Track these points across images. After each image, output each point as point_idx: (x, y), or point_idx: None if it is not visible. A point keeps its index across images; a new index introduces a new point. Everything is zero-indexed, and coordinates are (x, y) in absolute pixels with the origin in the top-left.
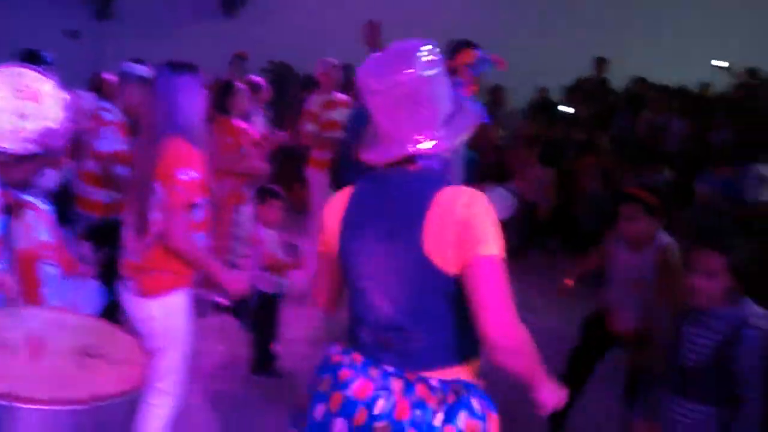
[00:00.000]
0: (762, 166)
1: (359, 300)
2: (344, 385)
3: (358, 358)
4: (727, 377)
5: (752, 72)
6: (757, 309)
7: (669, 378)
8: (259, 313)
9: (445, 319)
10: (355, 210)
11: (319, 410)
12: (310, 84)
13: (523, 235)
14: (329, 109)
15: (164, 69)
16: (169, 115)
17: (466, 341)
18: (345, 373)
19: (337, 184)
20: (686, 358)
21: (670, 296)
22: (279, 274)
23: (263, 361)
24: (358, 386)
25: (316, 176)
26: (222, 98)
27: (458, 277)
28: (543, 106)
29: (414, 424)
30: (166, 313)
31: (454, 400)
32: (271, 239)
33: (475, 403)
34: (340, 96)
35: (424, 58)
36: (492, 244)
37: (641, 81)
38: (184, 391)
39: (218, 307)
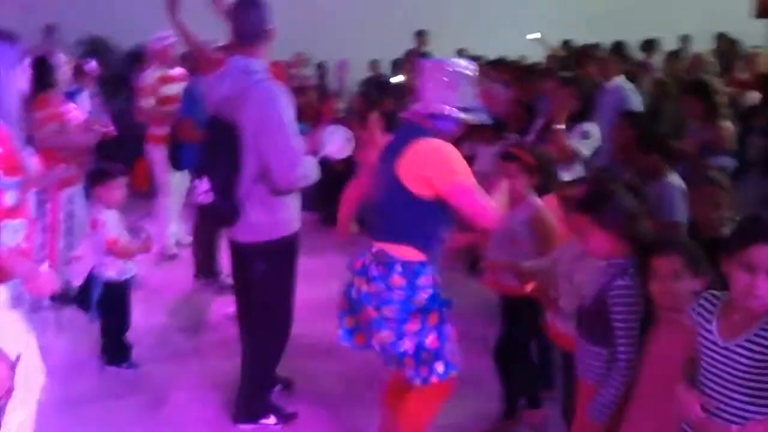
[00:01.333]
0: (587, 123)
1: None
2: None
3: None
4: (607, 322)
5: (565, 43)
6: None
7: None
8: (106, 302)
9: (405, 216)
10: (385, 146)
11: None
12: (136, 59)
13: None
14: (165, 83)
15: None
16: None
17: (416, 233)
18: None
19: (174, 161)
20: (580, 301)
21: (547, 249)
22: (125, 259)
23: (116, 352)
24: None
25: (156, 153)
26: (39, 73)
27: (428, 196)
28: (374, 79)
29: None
30: None
31: (389, 263)
32: (113, 222)
33: (403, 269)
34: (176, 71)
35: (462, 65)
36: (458, 175)
37: (461, 53)
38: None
39: (55, 299)
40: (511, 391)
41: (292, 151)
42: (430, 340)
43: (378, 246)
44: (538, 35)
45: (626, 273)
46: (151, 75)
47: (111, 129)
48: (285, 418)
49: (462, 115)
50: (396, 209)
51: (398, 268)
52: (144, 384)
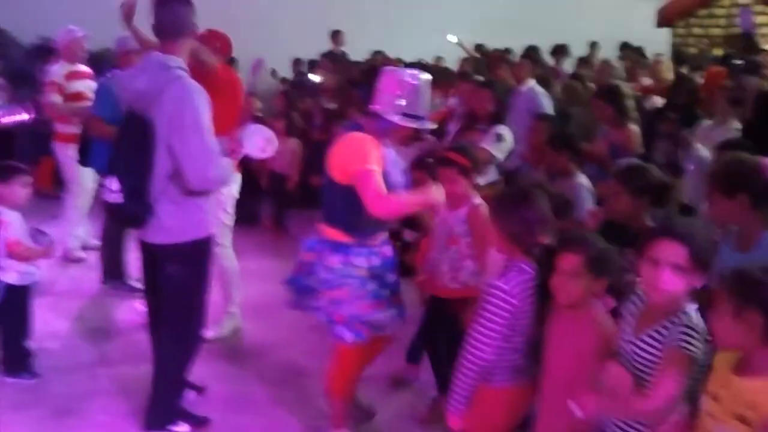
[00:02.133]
0: (500, 126)
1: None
2: None
3: None
4: None
5: (478, 47)
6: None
7: None
8: (5, 308)
9: (334, 201)
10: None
11: None
12: (40, 54)
13: (277, 206)
14: (73, 79)
15: None
16: None
17: (342, 218)
18: None
19: (84, 158)
20: None
21: (483, 249)
22: (26, 262)
23: (16, 362)
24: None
25: (64, 151)
26: None
27: (347, 183)
28: (295, 78)
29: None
30: None
31: (324, 242)
32: (16, 223)
33: (334, 249)
34: (84, 67)
35: (413, 76)
36: (364, 163)
37: (379, 54)
38: None
39: None
40: (440, 368)
41: (205, 151)
42: (348, 308)
43: (320, 228)
44: (455, 38)
45: (505, 275)
46: (57, 70)
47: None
48: (196, 424)
49: (396, 119)
50: (329, 195)
51: (330, 247)
52: (46, 394)
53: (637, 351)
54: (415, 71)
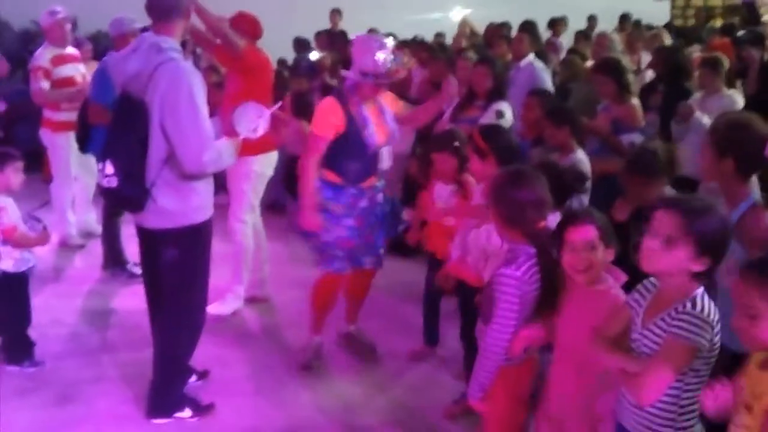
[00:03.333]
0: (500, 103)
1: None
2: None
3: None
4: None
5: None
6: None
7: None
8: (3, 296)
9: (328, 150)
10: None
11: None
12: (35, 38)
13: (287, 189)
14: (60, 64)
15: None
16: None
17: (331, 162)
18: None
19: (82, 144)
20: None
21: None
22: (22, 248)
23: (17, 350)
24: None
25: (52, 139)
26: None
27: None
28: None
29: None
30: None
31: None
32: (11, 209)
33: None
34: (72, 50)
35: (360, 39)
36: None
37: (373, 31)
38: None
39: None
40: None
41: (200, 133)
42: (324, 236)
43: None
44: (465, 14)
45: (513, 261)
46: (42, 55)
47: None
48: (201, 410)
49: (357, 77)
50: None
51: (323, 185)
52: (49, 380)
53: (645, 341)
54: (373, 36)
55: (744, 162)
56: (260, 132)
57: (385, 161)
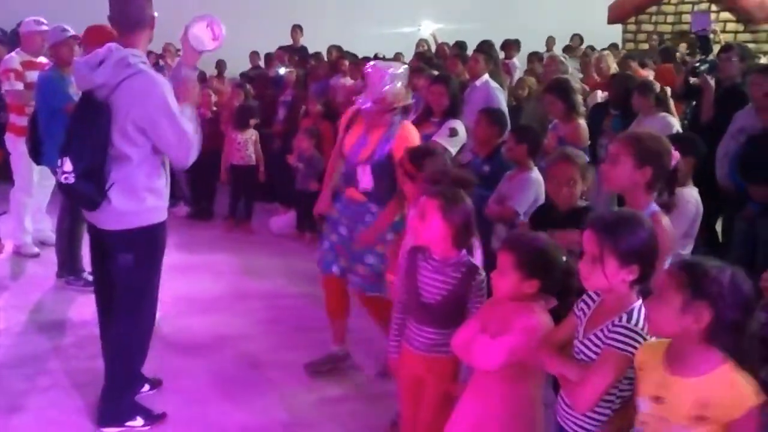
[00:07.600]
0: (454, 121)
1: None
2: None
3: None
4: (459, 310)
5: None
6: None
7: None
8: None
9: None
10: None
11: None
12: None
13: (237, 199)
14: (31, 69)
15: None
16: None
17: None
18: None
19: (35, 155)
20: (424, 295)
21: None
22: None
23: None
24: None
25: (15, 143)
26: None
27: None
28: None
29: None
30: None
31: None
32: None
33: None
34: (43, 59)
35: (393, 69)
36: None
37: (336, 49)
38: None
39: None
40: None
41: (181, 136)
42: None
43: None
44: (430, 31)
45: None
46: (13, 59)
47: None
48: (153, 419)
49: (364, 102)
50: None
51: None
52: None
53: (585, 350)
54: (381, 64)
55: (658, 176)
56: (220, 40)
57: (365, 180)
